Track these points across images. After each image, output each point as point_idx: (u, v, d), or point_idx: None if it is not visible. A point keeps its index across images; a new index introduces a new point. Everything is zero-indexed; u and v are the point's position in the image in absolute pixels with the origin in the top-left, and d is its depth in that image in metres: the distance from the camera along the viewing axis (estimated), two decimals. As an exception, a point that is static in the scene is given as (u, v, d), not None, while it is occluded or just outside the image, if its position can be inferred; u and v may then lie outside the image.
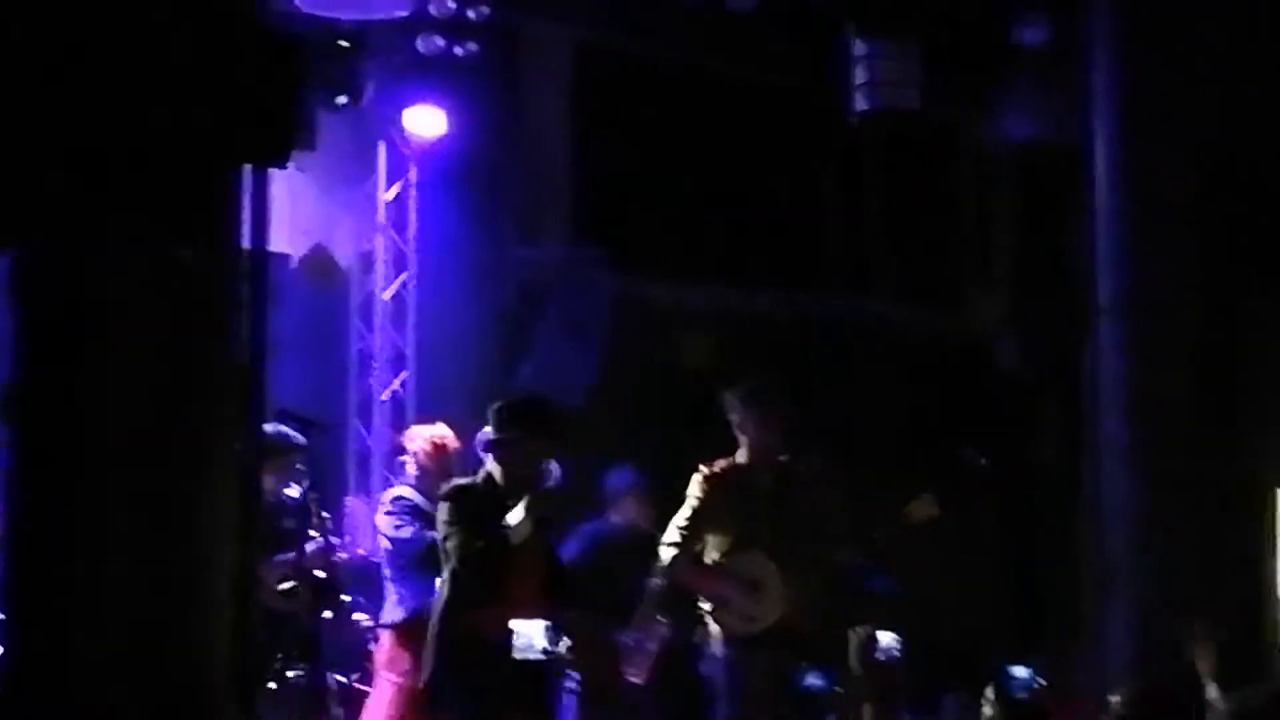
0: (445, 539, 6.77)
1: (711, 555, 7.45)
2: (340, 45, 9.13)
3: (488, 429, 6.95)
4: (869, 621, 7.96)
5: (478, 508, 6.75)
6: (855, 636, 7.84)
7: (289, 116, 5.32)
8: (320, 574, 7.49)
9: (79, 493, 4.98)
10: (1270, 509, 8.28)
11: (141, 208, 5.10)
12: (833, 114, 10.36)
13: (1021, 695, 7.10)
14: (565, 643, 6.87)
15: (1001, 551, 11.60)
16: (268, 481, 7.35)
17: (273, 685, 7.16)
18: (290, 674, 7.25)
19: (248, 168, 5.31)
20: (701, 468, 7.48)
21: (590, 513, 8.55)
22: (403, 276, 10.07)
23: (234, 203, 5.35)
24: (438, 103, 9.70)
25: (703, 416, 7.84)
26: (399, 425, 9.81)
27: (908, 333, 11.79)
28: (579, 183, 10.75)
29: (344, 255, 10.06)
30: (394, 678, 7.64)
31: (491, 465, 6.89)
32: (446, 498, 6.86)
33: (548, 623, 6.70)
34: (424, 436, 8.13)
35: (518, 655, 6.63)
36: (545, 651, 6.66)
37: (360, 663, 8.19)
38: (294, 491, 7.55)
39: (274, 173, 5.41)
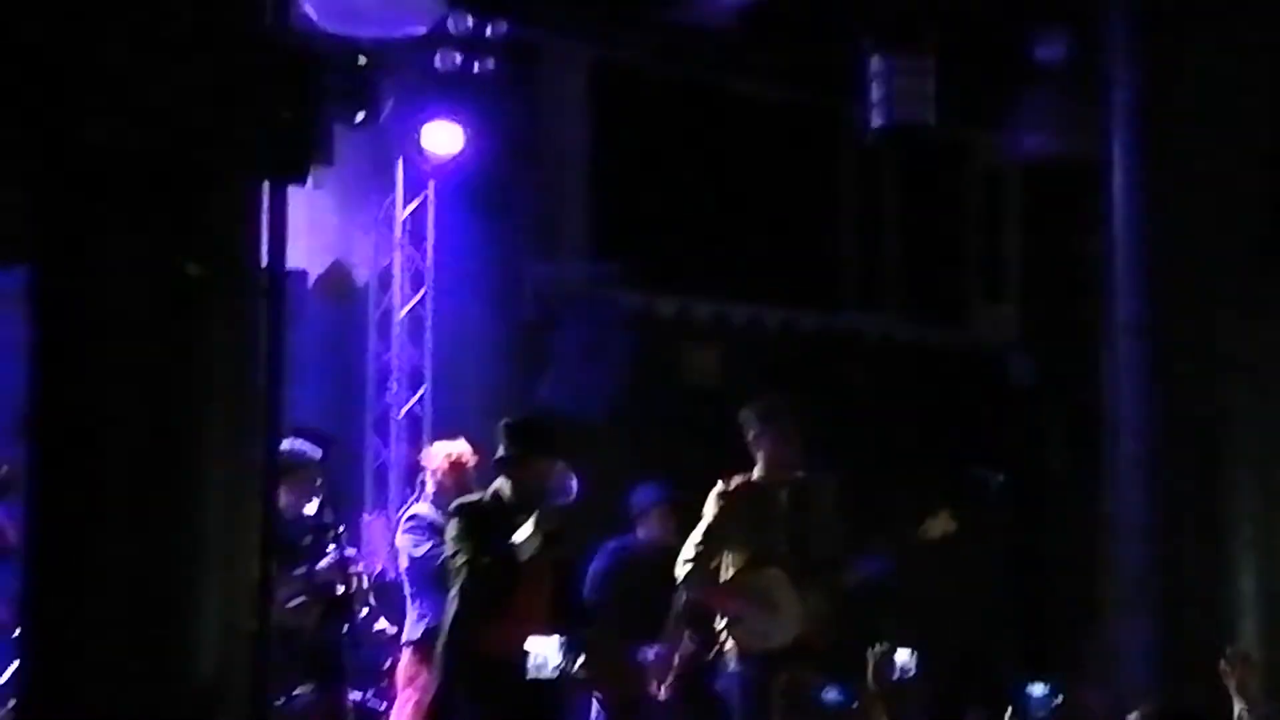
0: (453, 555, 6.79)
1: (727, 572, 7.44)
2: (358, 62, 9.15)
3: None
4: (885, 639, 7.94)
5: (485, 524, 6.77)
6: (872, 654, 7.83)
7: (307, 133, 5.35)
8: (337, 588, 7.50)
9: (89, 506, 5.00)
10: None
11: (157, 224, 5.13)
12: (848, 129, 10.38)
13: (1040, 714, 7.08)
14: (581, 660, 6.88)
15: (1015, 567, 11.58)
16: (286, 497, 7.37)
17: (279, 702, 7.16)
18: (297, 691, 7.24)
19: (266, 184, 5.34)
20: (718, 484, 7.48)
21: (611, 528, 8.56)
22: (420, 293, 10.09)
23: (252, 219, 5.37)
24: (456, 119, 9.72)
25: (717, 432, 7.84)
26: (416, 442, 9.82)
27: (919, 348, 11.79)
28: (596, 199, 10.76)
29: (362, 272, 10.08)
30: (415, 694, 7.65)
31: (499, 482, 6.91)
32: (454, 514, 6.89)
33: (562, 640, 6.71)
34: (443, 454, 8.15)
35: (532, 673, 6.64)
36: (559, 669, 6.67)
37: (378, 679, 8.20)
38: (311, 507, 7.57)
39: (292, 189, 5.44)
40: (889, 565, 7.44)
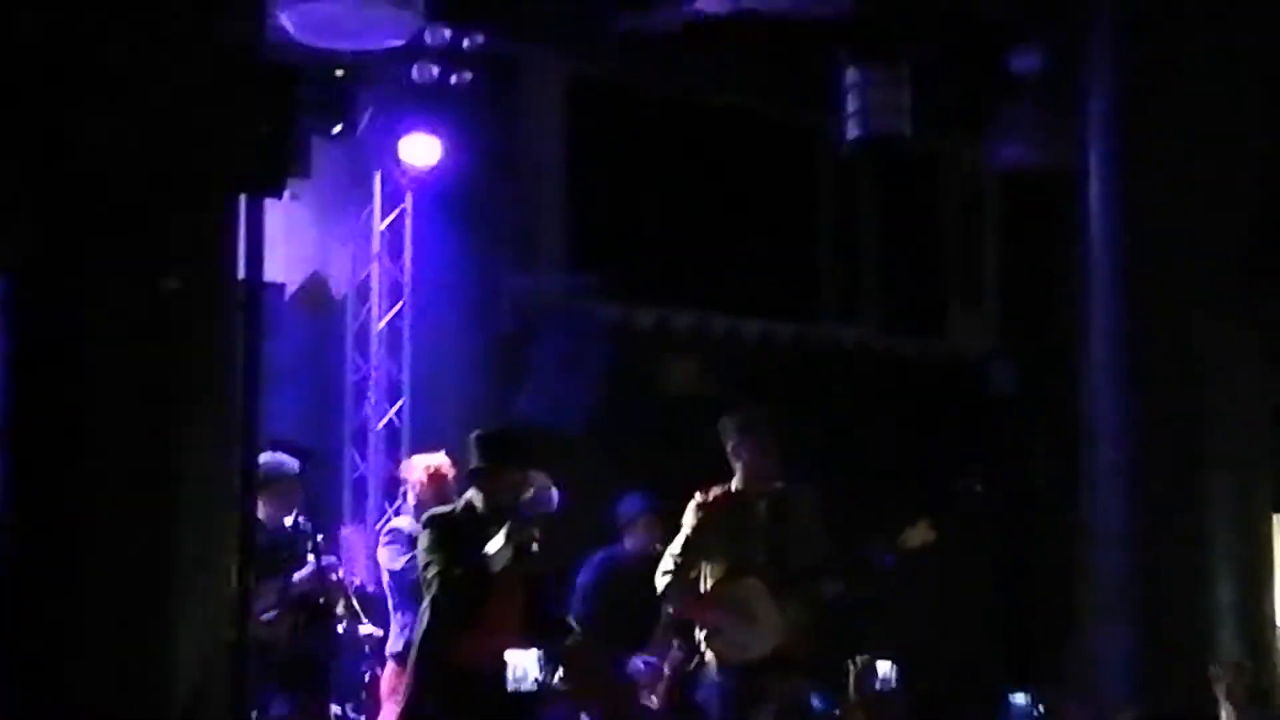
0: (425, 567, 6.79)
1: (706, 583, 7.44)
2: (335, 74, 9.15)
3: None
4: (866, 650, 7.95)
5: (457, 535, 6.77)
6: (853, 666, 7.83)
7: (284, 146, 5.35)
8: (314, 599, 7.48)
9: (66, 517, 4.99)
10: (1267, 533, 8.28)
11: (134, 237, 5.12)
12: (825, 141, 10.40)
13: (1023, 723, 7.10)
14: (560, 673, 6.88)
15: (996, 577, 11.60)
16: (265, 509, 7.36)
17: (256, 716, 7.13)
18: (272, 706, 7.21)
19: (243, 197, 5.34)
20: (696, 495, 7.48)
21: (592, 539, 8.56)
22: (398, 305, 10.08)
23: (229, 232, 5.37)
24: (433, 132, 9.73)
25: (696, 443, 7.84)
26: (394, 454, 9.81)
27: (898, 358, 11.82)
28: (574, 211, 10.77)
29: (339, 284, 10.07)
30: (397, 708, 7.63)
31: (471, 493, 6.91)
32: (426, 526, 6.90)
33: (540, 653, 6.71)
34: (422, 466, 8.15)
35: (512, 686, 6.63)
36: (538, 682, 6.67)
37: (359, 692, 8.18)
38: (295, 520, 7.56)
39: (269, 202, 5.43)
40: (891, 560, 7.43)
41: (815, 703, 7.33)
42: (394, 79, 9.48)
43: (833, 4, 9.47)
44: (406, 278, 10.08)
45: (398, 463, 9.62)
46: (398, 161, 9.87)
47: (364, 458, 9.94)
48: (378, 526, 9.40)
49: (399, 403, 9.98)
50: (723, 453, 7.53)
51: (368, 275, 10.10)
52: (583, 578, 8.37)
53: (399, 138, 9.73)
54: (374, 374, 10.01)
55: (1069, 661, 9.57)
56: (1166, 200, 8.27)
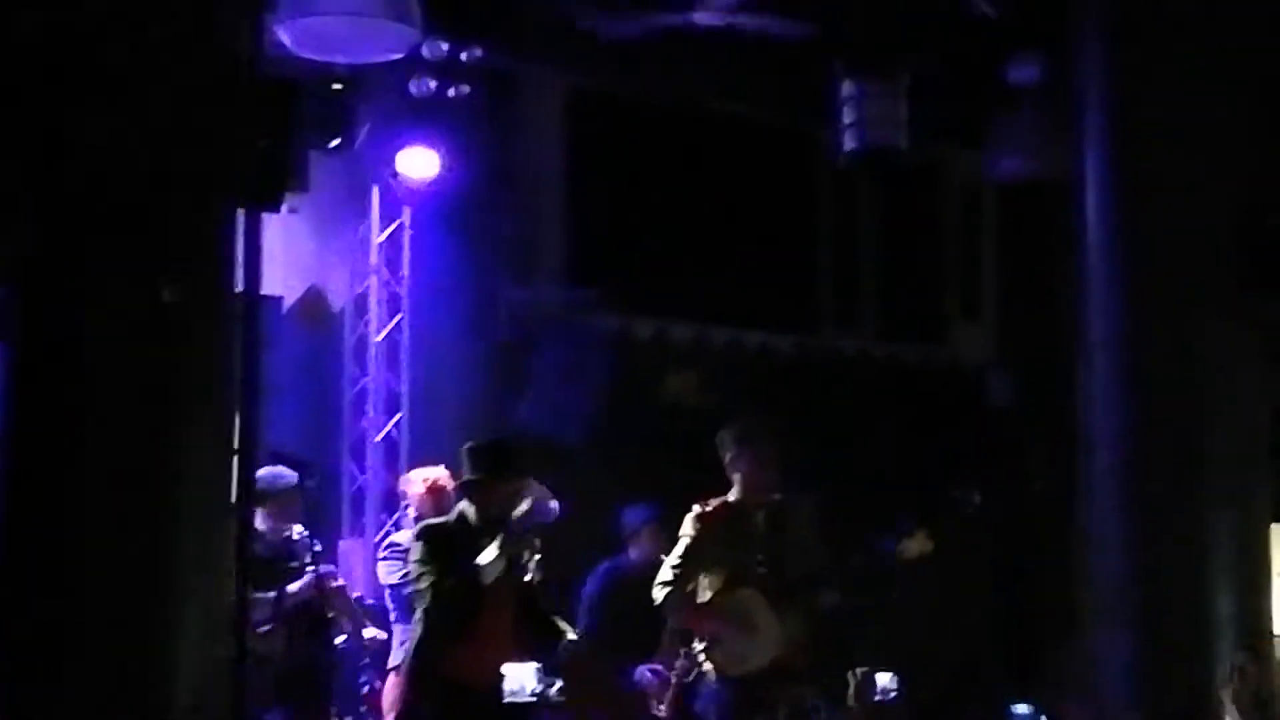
0: (417, 578, 6.80)
1: (705, 594, 7.44)
2: (333, 88, 9.17)
3: None
4: (866, 660, 7.96)
5: (450, 547, 6.78)
6: (853, 677, 7.83)
7: (283, 160, 5.37)
8: (313, 609, 7.49)
9: (64, 529, 4.99)
10: (1265, 540, 8.29)
11: (133, 250, 5.13)
12: (824, 152, 10.42)
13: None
14: (558, 685, 6.88)
15: (996, 585, 11.61)
16: (266, 522, 7.37)
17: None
18: (268, 718, 7.22)
19: (242, 210, 5.35)
20: (694, 506, 7.48)
21: (592, 550, 8.56)
22: (397, 318, 10.09)
23: (227, 245, 5.38)
24: (431, 145, 9.74)
25: (695, 454, 7.85)
26: (393, 467, 9.82)
27: (897, 367, 11.83)
28: (573, 223, 10.79)
29: (338, 297, 10.08)
30: (396, 719, 7.64)
31: (464, 505, 6.92)
32: (418, 537, 6.91)
33: (539, 665, 6.71)
34: (421, 480, 8.16)
35: (508, 699, 6.64)
36: (536, 695, 6.67)
37: (359, 703, 8.19)
38: (297, 530, 7.58)
39: (267, 215, 5.45)
40: (892, 545, 7.42)
41: (817, 716, 7.32)
42: (392, 92, 9.50)
43: (824, 20, 9.49)
44: (405, 290, 10.09)
45: (396, 475, 9.63)
46: (396, 175, 9.89)
47: (362, 470, 9.95)
48: (377, 539, 9.41)
49: (397, 415, 9.99)
50: (722, 463, 7.54)
51: (366, 288, 10.11)
52: (588, 588, 8.37)
53: (397, 151, 9.75)
54: (372, 386, 10.02)
55: (1068, 667, 9.57)
56: (1162, 209, 8.28)
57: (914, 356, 11.98)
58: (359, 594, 8.66)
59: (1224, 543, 8.03)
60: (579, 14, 9.59)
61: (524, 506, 6.87)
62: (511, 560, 6.74)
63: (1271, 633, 8.12)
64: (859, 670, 8.08)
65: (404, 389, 10.02)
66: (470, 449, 6.97)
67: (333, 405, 9.97)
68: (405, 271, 10.10)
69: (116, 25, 5.14)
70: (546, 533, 7.39)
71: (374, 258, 10.11)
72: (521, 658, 6.79)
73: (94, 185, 5.09)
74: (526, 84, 10.53)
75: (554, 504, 7.86)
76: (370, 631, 8.07)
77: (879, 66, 9.52)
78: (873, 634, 8.72)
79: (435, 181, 9.85)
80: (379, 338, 10.06)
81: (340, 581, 7.94)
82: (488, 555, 6.67)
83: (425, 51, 9.27)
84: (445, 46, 9.41)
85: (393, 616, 7.98)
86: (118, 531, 5.00)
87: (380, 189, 10.06)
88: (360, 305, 10.12)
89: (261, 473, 6.82)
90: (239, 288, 5.39)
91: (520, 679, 6.67)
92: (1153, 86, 8.30)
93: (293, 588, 7.47)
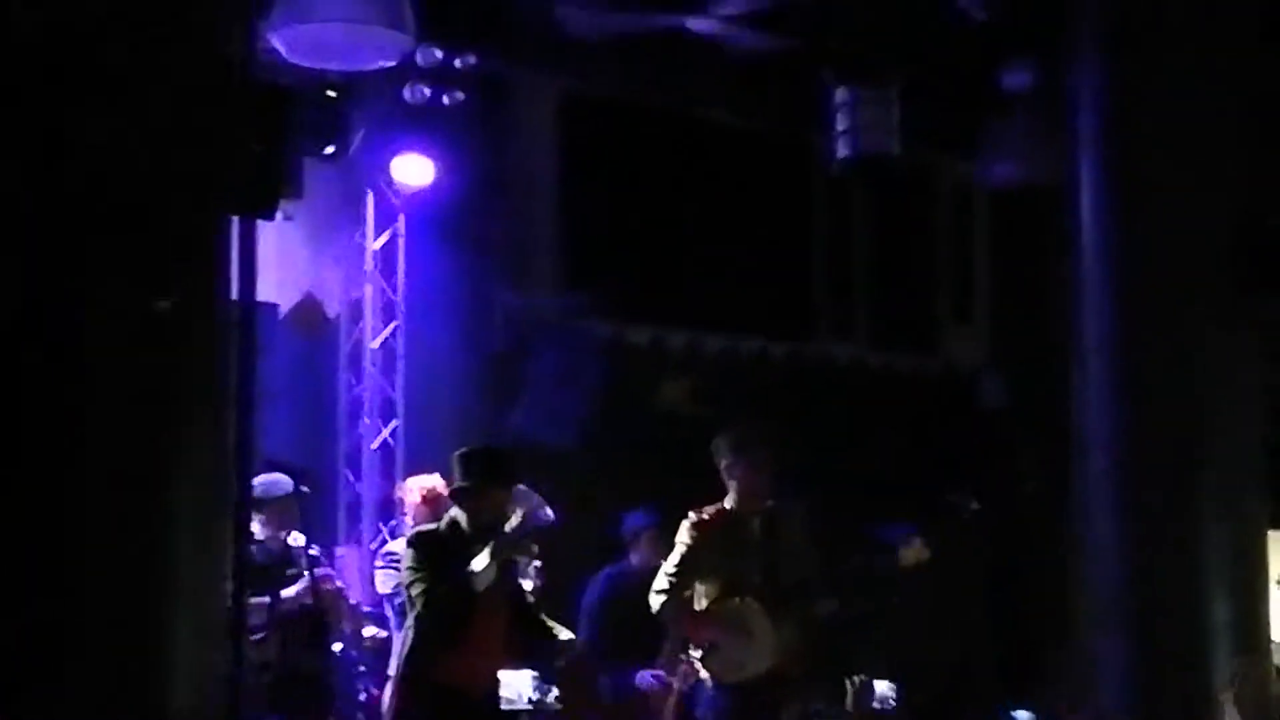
0: (409, 585, 6.81)
1: (701, 601, 7.44)
2: (328, 95, 9.18)
3: None
4: (862, 667, 7.96)
5: (441, 553, 6.78)
6: (851, 684, 7.84)
7: (277, 167, 5.36)
8: (310, 613, 7.49)
9: (60, 538, 4.99)
10: (1261, 544, 8.29)
11: (126, 258, 5.13)
12: (818, 158, 10.43)
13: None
14: (554, 692, 6.89)
15: (991, 590, 11.61)
16: (264, 530, 7.37)
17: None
18: None
19: (236, 218, 5.35)
20: (690, 514, 7.48)
21: (587, 557, 8.56)
22: (392, 325, 10.09)
23: (222, 253, 5.38)
24: (425, 152, 9.75)
25: (690, 461, 7.85)
26: (389, 474, 9.82)
27: (891, 373, 11.84)
28: (567, 230, 10.79)
29: (333, 304, 10.08)
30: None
31: (455, 512, 6.93)
32: (410, 544, 6.91)
33: (535, 672, 6.72)
34: (417, 488, 8.16)
35: (505, 706, 6.64)
36: (532, 702, 6.68)
37: (355, 710, 8.18)
38: (297, 539, 7.59)
39: (263, 222, 5.45)
40: (910, 530, 7.42)
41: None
42: (386, 99, 9.50)
43: (817, 27, 9.50)
44: (400, 297, 10.09)
45: (392, 482, 9.64)
46: (390, 181, 9.89)
47: (358, 478, 9.95)
48: (373, 547, 9.41)
49: (393, 422, 9.99)
50: (717, 471, 7.54)
51: (361, 295, 10.12)
52: (589, 595, 8.37)
53: (391, 158, 9.75)
54: (368, 394, 10.02)
55: (1065, 673, 9.58)
56: (1156, 213, 8.29)
57: (908, 363, 11.99)
58: (357, 600, 8.66)
59: (1219, 548, 8.03)
60: (573, 20, 9.59)
61: (517, 517, 6.87)
62: (504, 566, 6.74)
63: (1269, 638, 8.13)
64: (857, 678, 8.09)
65: (399, 396, 10.02)
66: (461, 455, 6.98)
67: (328, 412, 9.97)
68: (400, 278, 10.10)
69: (116, 25, 5.13)
70: (544, 539, 7.40)
71: (369, 265, 10.11)
72: (515, 664, 6.79)
73: (94, 185, 5.08)
74: (521, 91, 10.54)
75: (548, 510, 7.85)
76: (370, 630, 8.07)
77: (872, 73, 9.53)
78: (870, 640, 8.73)
79: (430, 188, 9.86)
80: (374, 345, 10.06)
81: (337, 584, 7.94)
82: (480, 562, 6.67)
83: (419, 58, 9.27)
84: (439, 53, 9.42)
85: (393, 624, 7.97)
86: (114, 535, 4.99)
87: (375, 196, 10.07)
88: (355, 312, 10.12)
89: (258, 480, 6.82)
90: (234, 295, 5.39)
91: (517, 686, 6.67)
92: (1146, 90, 8.31)
93: (288, 592, 7.47)
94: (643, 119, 10.95)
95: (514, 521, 6.83)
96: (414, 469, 8.86)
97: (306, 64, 8.03)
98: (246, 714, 6.52)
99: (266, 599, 7.32)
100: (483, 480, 6.86)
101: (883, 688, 8.10)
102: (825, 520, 7.71)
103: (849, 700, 8.05)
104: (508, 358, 10.20)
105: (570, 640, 7.07)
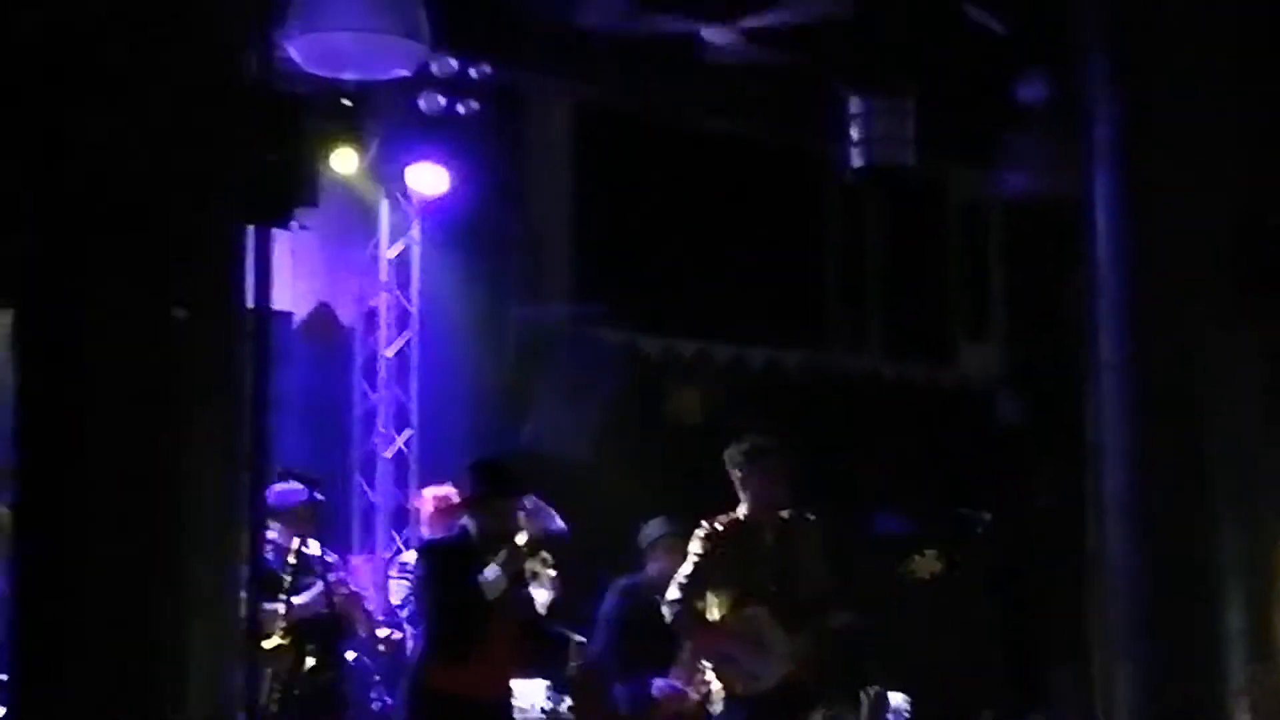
0: (419, 595, 6.81)
1: (714, 612, 7.43)
2: (343, 104, 9.19)
3: None
4: (875, 679, 7.95)
5: (451, 564, 6.79)
6: (866, 697, 7.83)
7: (292, 176, 5.36)
8: (322, 623, 7.50)
9: (75, 547, 4.99)
10: (1276, 560, 8.26)
11: (142, 266, 5.13)
12: (831, 169, 10.43)
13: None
14: (567, 702, 6.89)
15: (1004, 606, 11.58)
16: (281, 538, 7.38)
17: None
18: None
19: (251, 227, 5.35)
20: (703, 524, 7.48)
21: (599, 566, 8.56)
22: (406, 334, 10.10)
23: (237, 261, 5.38)
24: (440, 161, 9.75)
25: (702, 472, 7.85)
26: (403, 483, 9.83)
27: (904, 386, 11.82)
28: (581, 240, 10.80)
29: (347, 314, 10.09)
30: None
31: (465, 522, 6.94)
32: (420, 555, 6.93)
33: (548, 682, 6.73)
34: (430, 498, 8.17)
35: (518, 716, 6.65)
36: (545, 711, 6.69)
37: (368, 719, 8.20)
38: (314, 547, 7.60)
39: (277, 231, 5.45)
40: (906, 525, 7.43)
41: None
42: (401, 109, 9.51)
43: (830, 17, 9.48)
44: (414, 307, 10.10)
45: (406, 491, 9.64)
46: (405, 191, 9.90)
47: (372, 487, 9.95)
48: (387, 556, 9.41)
49: (407, 431, 10.00)
50: (729, 481, 7.53)
51: (375, 305, 10.12)
52: (606, 604, 8.36)
53: (406, 167, 9.76)
54: (382, 403, 10.02)
55: (1076, 685, 9.55)
56: (1173, 226, 8.26)
57: (922, 376, 11.97)
58: (372, 607, 8.66)
59: (1235, 560, 8.00)
60: (589, 33, 9.60)
61: (524, 524, 6.88)
62: (514, 577, 6.75)
63: (1280, 650, 8.10)
64: (871, 689, 8.07)
65: (413, 405, 10.03)
66: (471, 466, 7.01)
67: (342, 422, 9.98)
68: (415, 287, 10.11)
69: (116, 25, 5.13)
70: (554, 549, 7.40)
71: (383, 274, 10.12)
72: (525, 673, 6.80)
73: (94, 185, 5.08)
74: (535, 101, 10.55)
75: (558, 521, 7.86)
76: (384, 631, 8.07)
77: (887, 84, 9.53)
78: (884, 652, 8.72)
79: (444, 198, 9.86)
80: (389, 354, 10.07)
81: (351, 588, 7.94)
82: (490, 572, 6.68)
83: (434, 68, 9.29)
84: (454, 63, 9.43)
85: (410, 635, 7.97)
86: (124, 543, 4.99)
87: (389, 205, 10.08)
88: (370, 321, 10.13)
89: (273, 488, 6.84)
90: (249, 304, 5.39)
91: (529, 696, 6.68)
92: (1162, 102, 8.29)
93: (302, 599, 7.47)
94: (656, 129, 10.95)
95: (522, 534, 6.85)
96: (428, 478, 8.86)
97: (322, 73, 8.04)
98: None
99: (281, 607, 7.33)
100: (491, 491, 6.88)
101: (897, 700, 8.08)
102: (836, 531, 7.70)
103: (863, 712, 8.03)
104: (521, 367, 10.21)
105: (582, 642, 7.07)
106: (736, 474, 7.49)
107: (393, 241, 10.13)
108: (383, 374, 10.05)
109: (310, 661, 7.42)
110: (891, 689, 8.47)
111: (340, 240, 9.95)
